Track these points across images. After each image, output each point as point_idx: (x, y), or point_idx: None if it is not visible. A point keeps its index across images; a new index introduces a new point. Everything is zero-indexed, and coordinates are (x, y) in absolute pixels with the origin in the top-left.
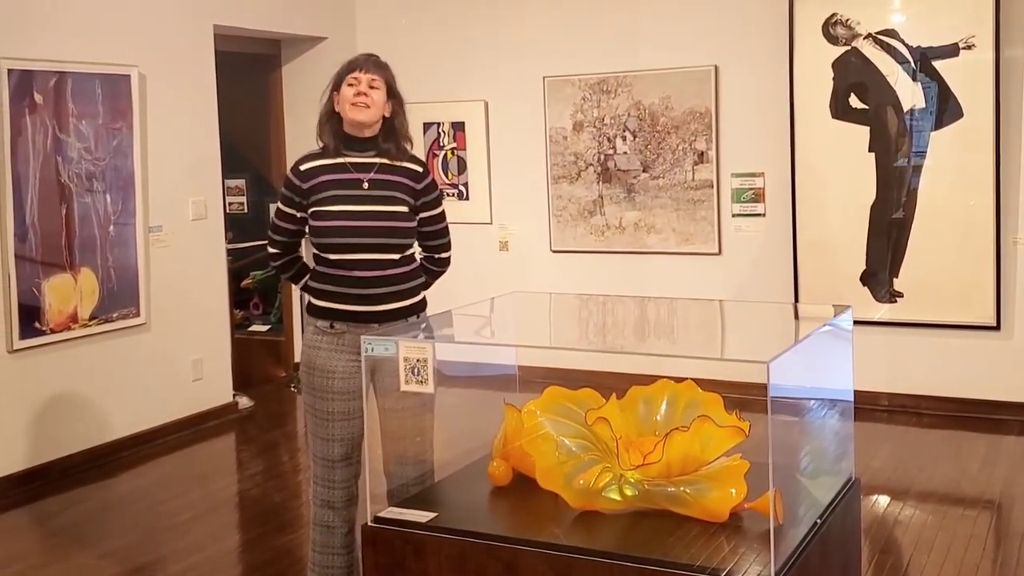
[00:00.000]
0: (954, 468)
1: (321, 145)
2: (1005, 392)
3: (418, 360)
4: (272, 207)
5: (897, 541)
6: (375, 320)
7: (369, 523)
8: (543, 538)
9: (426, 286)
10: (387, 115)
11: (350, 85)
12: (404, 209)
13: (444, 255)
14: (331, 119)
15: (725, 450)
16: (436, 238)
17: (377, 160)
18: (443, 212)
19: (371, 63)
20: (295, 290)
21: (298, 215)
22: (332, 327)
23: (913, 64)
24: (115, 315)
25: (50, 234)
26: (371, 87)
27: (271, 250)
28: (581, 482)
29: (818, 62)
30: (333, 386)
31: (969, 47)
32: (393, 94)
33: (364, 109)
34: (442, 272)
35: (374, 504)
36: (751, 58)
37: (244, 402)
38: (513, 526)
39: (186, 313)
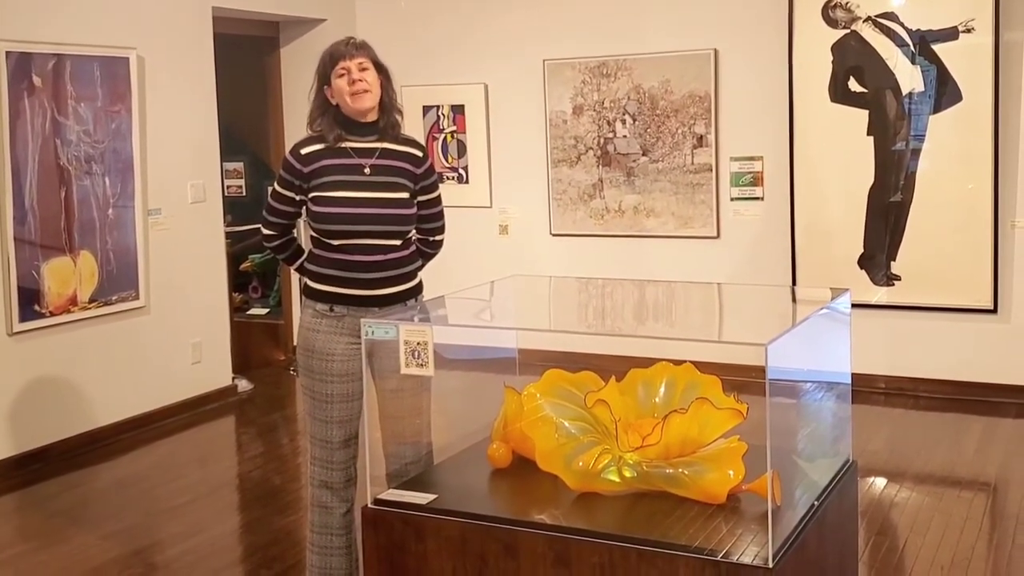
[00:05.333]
0: (950, 450)
1: (318, 133)
2: (1002, 375)
3: (418, 343)
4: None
5: (893, 523)
6: (375, 304)
7: (369, 505)
8: (542, 519)
9: (420, 268)
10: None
11: (341, 76)
12: (405, 195)
13: (438, 238)
14: (327, 110)
15: (723, 432)
16: (432, 221)
17: (378, 145)
18: (440, 196)
19: (353, 47)
20: (294, 273)
21: (297, 198)
22: (332, 310)
23: (912, 47)
24: (114, 298)
25: (49, 217)
26: (362, 71)
27: (266, 231)
28: (580, 464)
29: (817, 45)
30: (332, 368)
31: (968, 30)
32: (380, 69)
33: (365, 95)
34: (435, 254)
35: (374, 486)
36: (750, 42)
37: (243, 385)
38: (513, 508)
39: (185, 296)
